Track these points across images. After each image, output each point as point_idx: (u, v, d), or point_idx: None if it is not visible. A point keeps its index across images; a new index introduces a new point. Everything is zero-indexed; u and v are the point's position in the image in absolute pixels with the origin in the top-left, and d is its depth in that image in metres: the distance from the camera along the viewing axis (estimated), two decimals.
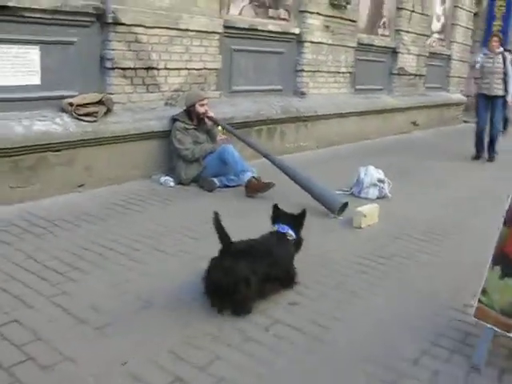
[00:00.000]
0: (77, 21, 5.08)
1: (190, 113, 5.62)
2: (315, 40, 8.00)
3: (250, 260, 2.86)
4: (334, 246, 4.00)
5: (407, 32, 10.42)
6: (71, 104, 5.03)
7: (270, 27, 7.23)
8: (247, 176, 5.21)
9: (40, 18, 4.77)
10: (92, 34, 5.24)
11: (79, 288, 3.11)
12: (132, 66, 5.50)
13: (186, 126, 5.53)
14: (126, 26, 5.35)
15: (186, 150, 5.44)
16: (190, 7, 5.95)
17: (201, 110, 5.60)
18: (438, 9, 11.96)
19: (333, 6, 8.11)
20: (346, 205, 4.73)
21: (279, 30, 7.39)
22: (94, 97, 5.21)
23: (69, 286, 3.12)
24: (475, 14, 13.91)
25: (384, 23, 9.91)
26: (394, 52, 10.27)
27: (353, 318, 2.89)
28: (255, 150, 5.54)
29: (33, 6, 4.62)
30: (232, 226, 2.98)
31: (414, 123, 10.75)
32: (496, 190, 5.27)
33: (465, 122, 12.77)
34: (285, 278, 3.18)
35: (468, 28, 13.35)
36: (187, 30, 5.96)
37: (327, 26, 8.22)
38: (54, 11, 4.82)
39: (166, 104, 5.94)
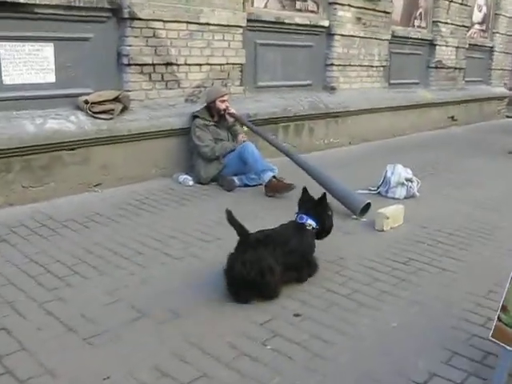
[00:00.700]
0: (92, 16, 4.97)
1: (211, 109, 5.45)
2: (346, 33, 7.70)
3: (270, 249, 2.88)
4: (353, 250, 3.75)
5: (445, 23, 9.97)
6: (86, 101, 4.93)
7: (298, 20, 6.98)
8: (268, 175, 5.00)
9: (53, 14, 4.68)
10: (108, 29, 5.13)
11: (75, 294, 2.97)
12: (150, 62, 5.36)
13: (206, 123, 5.36)
14: (143, 20, 5.21)
15: (206, 146, 5.27)
16: (211, 0, 5.76)
17: (221, 106, 5.41)
18: None
19: None
20: (368, 205, 4.45)
21: (307, 22, 7.13)
22: (110, 94, 5.09)
23: (65, 291, 2.99)
24: None
25: (420, 14, 9.49)
26: (431, 44, 9.85)
27: (359, 331, 2.64)
28: (277, 148, 5.31)
29: (44, 2, 4.52)
30: (249, 226, 2.95)
31: (452, 118, 10.28)
32: None
33: (508, 116, 12.17)
34: (303, 269, 3.15)
35: None
36: (208, 23, 5.77)
37: (359, 18, 7.90)
38: (68, 7, 4.72)
39: (187, 100, 5.78)
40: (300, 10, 7.11)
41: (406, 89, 9.36)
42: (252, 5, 6.46)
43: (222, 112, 5.42)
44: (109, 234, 3.90)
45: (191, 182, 5.31)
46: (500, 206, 5.04)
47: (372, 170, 5.75)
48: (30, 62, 4.70)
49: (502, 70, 12.48)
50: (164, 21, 5.38)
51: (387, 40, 8.55)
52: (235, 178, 5.25)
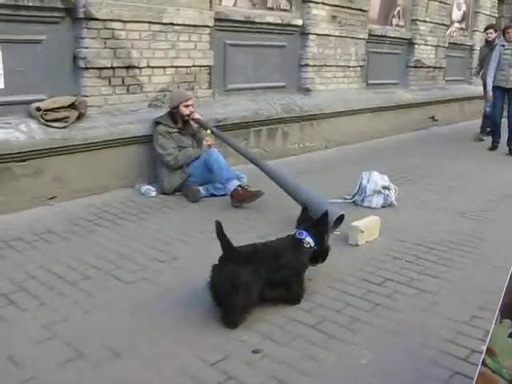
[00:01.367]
0: (43, 17, 4.60)
1: (174, 115, 5.09)
2: (321, 32, 7.40)
3: (254, 265, 2.68)
4: (323, 269, 3.38)
5: (424, 22, 9.73)
6: (39, 109, 4.56)
7: (269, 19, 6.66)
8: (233, 184, 4.67)
9: None
10: (62, 30, 4.77)
11: (7, 330, 2.61)
12: (109, 65, 5.01)
13: (169, 130, 5.01)
14: (101, 21, 4.86)
15: (169, 155, 4.92)
16: None
17: (185, 111, 5.06)
18: None
19: None
20: (342, 217, 4.14)
21: (279, 21, 6.81)
22: (65, 100, 4.73)
23: None
24: (500, 1, 13.07)
25: (399, 12, 9.23)
26: (410, 43, 9.59)
27: (324, 371, 2.31)
28: (243, 156, 4.97)
29: None
30: (211, 241, 2.76)
31: (433, 118, 10.03)
32: None
33: None
34: (292, 286, 2.90)
35: (492, 16, 12.53)
36: (172, 23, 5.43)
37: (334, 17, 7.61)
38: (15, 6, 4.36)
39: (150, 105, 5.44)
40: (272, 9, 6.80)
41: (384, 89, 9.09)
42: (220, 3, 6.12)
43: (186, 118, 5.08)
44: (57, 254, 3.54)
45: (154, 193, 4.96)
46: (484, 214, 4.77)
47: (348, 175, 5.45)
48: None
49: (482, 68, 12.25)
50: (124, 21, 5.03)
51: (364, 39, 8.27)
52: (200, 188, 4.91)
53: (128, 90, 5.23)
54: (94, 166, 4.87)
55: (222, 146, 5.27)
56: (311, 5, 7.16)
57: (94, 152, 4.84)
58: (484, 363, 1.85)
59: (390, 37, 8.97)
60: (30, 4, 4.43)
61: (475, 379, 1.87)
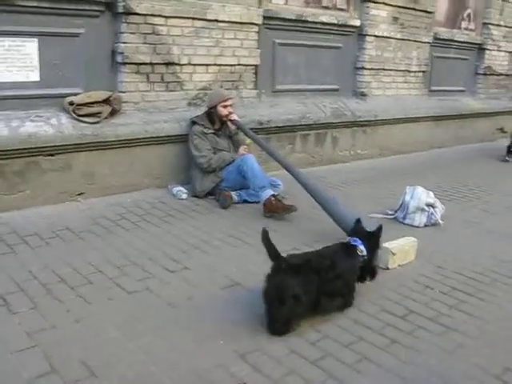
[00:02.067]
0: (82, 10, 4.53)
1: (211, 115, 4.89)
2: (380, 34, 7.00)
3: (305, 277, 2.60)
4: None
5: (498, 25, 9.05)
6: (71, 103, 4.49)
7: (323, 18, 6.33)
8: (266, 193, 4.39)
9: (37, 7, 4.28)
10: (101, 25, 4.68)
11: None
12: (148, 61, 4.88)
13: (205, 131, 4.81)
14: (141, 15, 4.73)
15: (202, 157, 4.73)
16: None
17: (223, 111, 4.85)
18: None
19: None
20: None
21: (335, 21, 6.47)
22: (100, 95, 4.64)
23: None
24: None
25: (469, 15, 8.63)
26: (480, 49, 8.96)
27: None
28: (280, 164, 4.66)
29: None
30: (230, 252, 2.81)
31: (502, 130, 9.35)
32: None
33: None
34: (347, 295, 2.86)
35: None
36: (217, 20, 5.23)
37: (396, 18, 7.18)
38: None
39: (190, 104, 5.27)
40: (327, 8, 6.47)
41: (449, 96, 8.54)
42: (270, 1, 5.86)
43: (224, 118, 4.86)
44: (66, 254, 3.42)
45: (185, 195, 4.78)
46: None
47: (398, 187, 4.96)
48: (11, 59, 4.30)
49: None
50: (165, 16, 4.88)
51: (428, 43, 7.77)
52: (233, 193, 4.68)
53: (167, 87, 5.08)
54: (126, 163, 4.75)
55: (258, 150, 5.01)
56: (370, 5, 6.77)
57: (126, 149, 4.72)
58: None
59: (457, 41, 8.40)
60: None
61: None
